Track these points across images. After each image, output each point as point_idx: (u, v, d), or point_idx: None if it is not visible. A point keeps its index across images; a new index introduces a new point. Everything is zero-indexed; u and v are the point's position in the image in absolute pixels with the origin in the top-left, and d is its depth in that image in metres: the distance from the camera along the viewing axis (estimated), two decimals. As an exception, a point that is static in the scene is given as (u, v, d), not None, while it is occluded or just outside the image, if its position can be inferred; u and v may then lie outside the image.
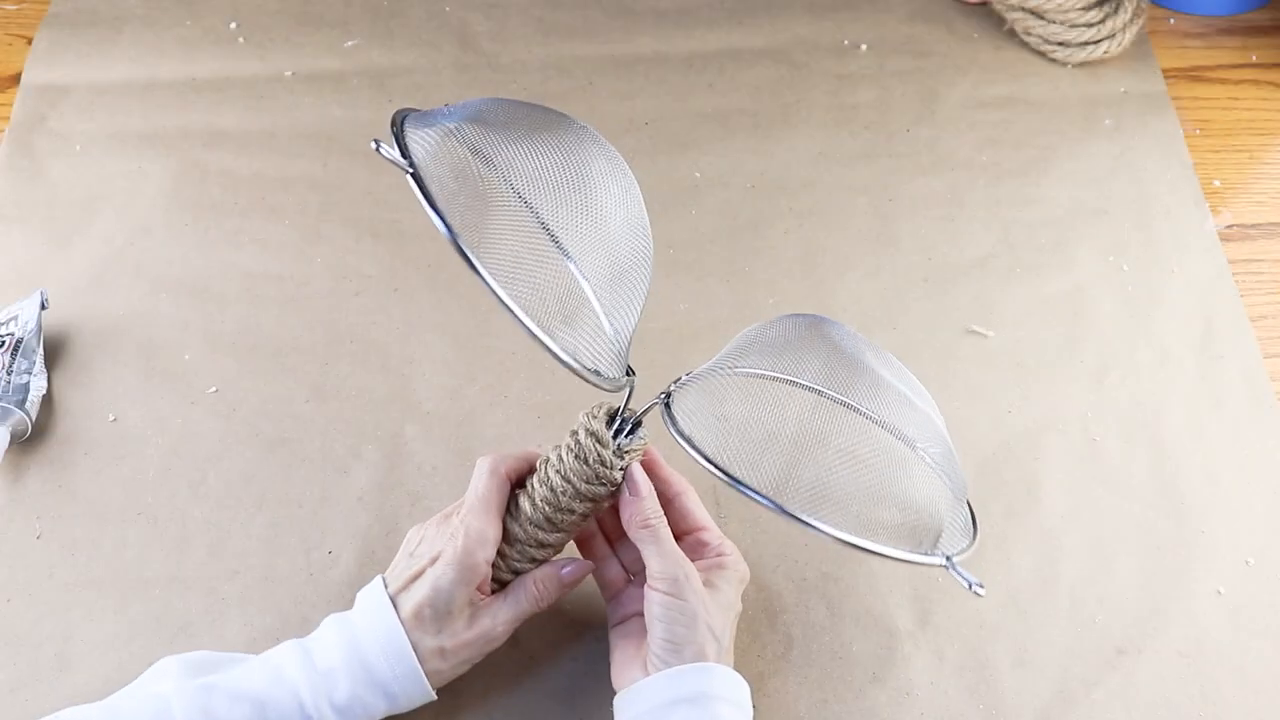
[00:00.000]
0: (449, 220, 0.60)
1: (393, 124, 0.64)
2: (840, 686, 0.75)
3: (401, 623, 0.67)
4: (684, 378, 0.68)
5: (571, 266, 0.66)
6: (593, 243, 0.65)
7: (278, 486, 0.83)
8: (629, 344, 0.69)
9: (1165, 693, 0.75)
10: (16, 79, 1.07)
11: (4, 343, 0.87)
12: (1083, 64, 1.08)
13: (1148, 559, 0.80)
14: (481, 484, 0.69)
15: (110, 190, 0.99)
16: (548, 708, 0.74)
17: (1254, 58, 1.10)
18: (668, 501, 0.72)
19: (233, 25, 1.10)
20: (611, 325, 0.67)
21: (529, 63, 1.08)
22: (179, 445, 0.85)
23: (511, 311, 0.61)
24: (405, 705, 0.69)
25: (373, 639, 0.67)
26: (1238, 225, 0.98)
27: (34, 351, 0.87)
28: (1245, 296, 0.93)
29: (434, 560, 0.68)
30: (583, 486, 0.68)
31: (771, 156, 1.02)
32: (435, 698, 0.69)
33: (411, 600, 0.68)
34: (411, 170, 0.62)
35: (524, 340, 0.90)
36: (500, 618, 0.69)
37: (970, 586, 0.61)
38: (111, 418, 0.87)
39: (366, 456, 0.85)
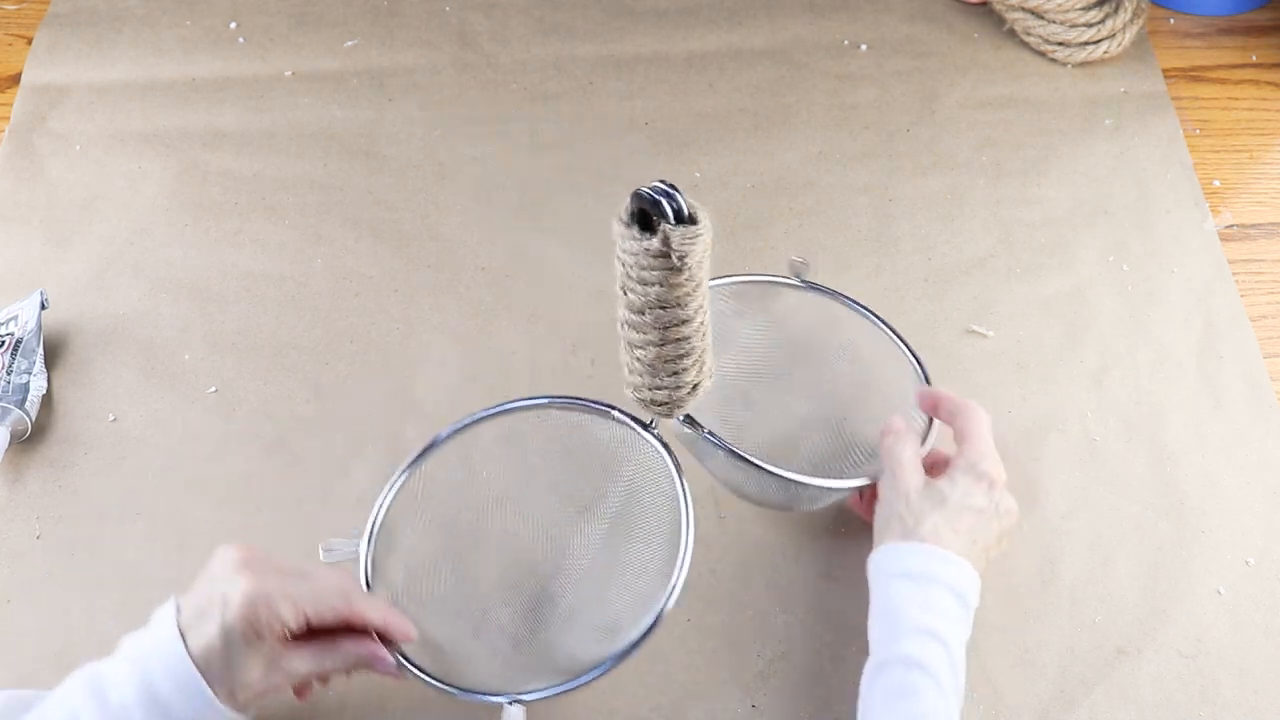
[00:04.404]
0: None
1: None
2: (841, 686, 0.75)
3: (193, 660, 0.62)
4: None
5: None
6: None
7: (278, 486, 0.83)
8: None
9: (1165, 693, 0.75)
10: (16, 79, 1.07)
11: (4, 343, 0.87)
12: (1083, 64, 1.08)
13: (1148, 559, 0.80)
14: (333, 579, 0.67)
15: (110, 190, 0.99)
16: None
17: (1254, 58, 1.10)
18: (949, 416, 0.77)
19: (233, 25, 1.10)
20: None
21: (529, 63, 1.08)
22: (179, 445, 0.85)
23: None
24: None
25: (165, 675, 0.62)
26: (1238, 225, 0.98)
27: (34, 351, 0.87)
28: (1245, 296, 0.93)
29: (224, 602, 0.63)
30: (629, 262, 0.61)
31: (771, 156, 1.02)
32: None
33: (201, 639, 0.63)
34: (356, 550, 0.72)
35: (524, 340, 0.91)
36: (298, 669, 0.65)
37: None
38: (111, 418, 0.87)
39: (366, 456, 0.85)
